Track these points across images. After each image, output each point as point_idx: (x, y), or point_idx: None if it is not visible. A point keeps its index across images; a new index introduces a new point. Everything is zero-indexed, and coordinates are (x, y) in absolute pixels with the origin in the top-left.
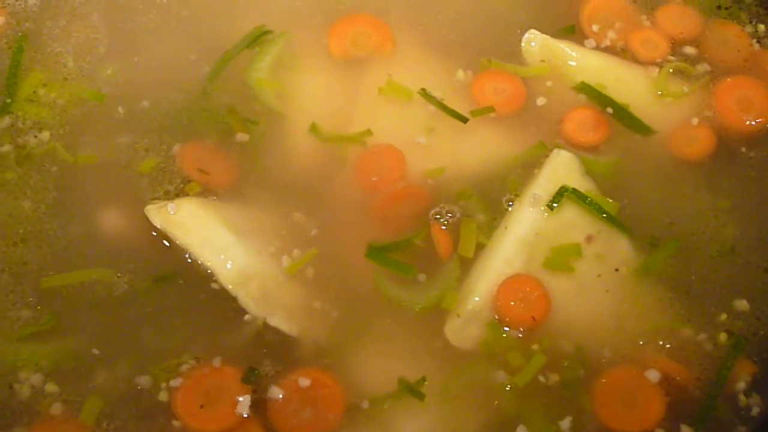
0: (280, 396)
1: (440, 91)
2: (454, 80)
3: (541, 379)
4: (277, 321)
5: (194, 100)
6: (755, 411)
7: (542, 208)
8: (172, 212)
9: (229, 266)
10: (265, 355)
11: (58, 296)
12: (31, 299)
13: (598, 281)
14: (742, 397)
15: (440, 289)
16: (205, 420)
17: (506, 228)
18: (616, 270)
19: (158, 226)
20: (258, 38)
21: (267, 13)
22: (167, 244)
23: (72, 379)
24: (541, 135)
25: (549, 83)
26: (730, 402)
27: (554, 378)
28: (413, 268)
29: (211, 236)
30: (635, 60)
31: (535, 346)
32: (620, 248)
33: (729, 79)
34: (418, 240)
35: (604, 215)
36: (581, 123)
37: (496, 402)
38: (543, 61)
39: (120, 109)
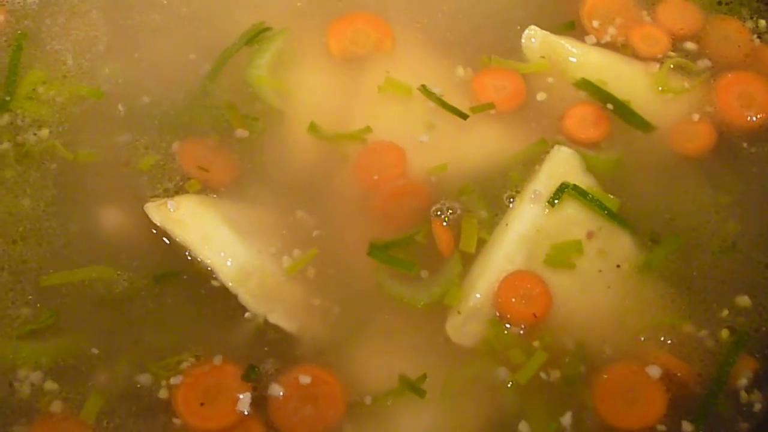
0: (281, 393)
1: (440, 88)
2: (454, 77)
3: (543, 375)
4: (278, 318)
5: (194, 98)
6: (757, 407)
7: (543, 204)
8: (171, 210)
9: (229, 264)
10: (265, 352)
11: (57, 294)
12: (30, 297)
13: (599, 277)
14: (743, 394)
15: (442, 286)
16: (205, 418)
17: (507, 225)
18: (618, 266)
19: (158, 224)
20: (257, 35)
21: (266, 11)
22: (167, 241)
23: (72, 377)
24: (542, 131)
25: (550, 79)
26: (732, 398)
27: (555, 374)
28: (415, 265)
29: (211, 234)
30: (636, 56)
31: (536, 343)
32: (621, 244)
33: (730, 75)
34: (419, 237)
35: (605, 211)
36: (582, 119)
37: (497, 399)
38: (543, 57)
39: (120, 107)
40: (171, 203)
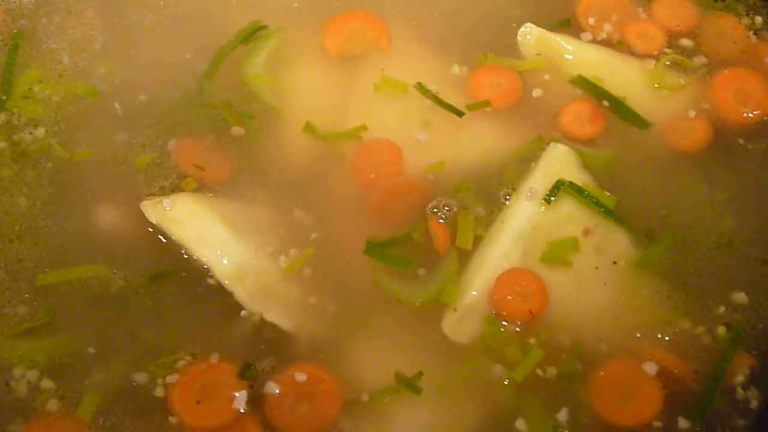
0: (277, 391)
1: (436, 85)
2: (449, 75)
3: (539, 372)
4: (274, 316)
5: (190, 96)
6: (754, 404)
7: (539, 201)
8: (167, 208)
9: (225, 262)
10: (261, 350)
11: (54, 293)
12: (26, 296)
13: (595, 274)
14: (740, 391)
15: (439, 283)
16: (201, 416)
17: (503, 222)
18: (614, 263)
19: (154, 222)
20: (253, 33)
21: (262, 10)
22: (163, 240)
23: (68, 375)
24: (538, 128)
25: (546, 77)
26: (728, 395)
27: (552, 371)
28: (412, 262)
29: (207, 232)
30: (631, 53)
31: (532, 340)
32: (618, 241)
33: (726, 72)
34: (416, 235)
35: (602, 208)
36: (578, 116)
37: (494, 396)
38: (539, 54)
39: (116, 106)
40: (167, 201)
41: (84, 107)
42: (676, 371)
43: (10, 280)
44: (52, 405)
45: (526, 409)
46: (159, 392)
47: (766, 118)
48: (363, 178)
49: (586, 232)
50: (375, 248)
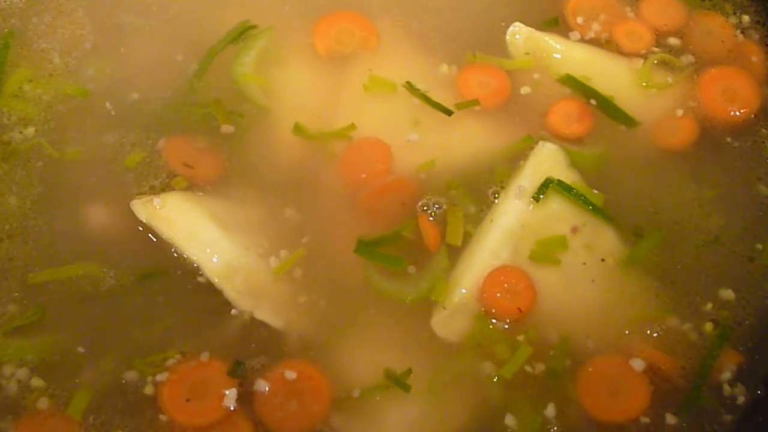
0: (267, 389)
1: (425, 84)
2: (438, 74)
3: (528, 369)
4: (264, 314)
5: (180, 95)
6: (741, 400)
7: (528, 200)
8: (157, 207)
9: (215, 260)
10: (251, 348)
11: (44, 291)
12: (16, 294)
13: (583, 271)
14: (727, 387)
15: (429, 281)
16: (191, 414)
17: (492, 220)
18: (602, 260)
19: (144, 221)
20: (242, 33)
21: (252, 10)
22: (153, 238)
23: (58, 373)
24: (527, 127)
25: (536, 76)
26: (716, 391)
27: (540, 368)
28: (403, 260)
29: (197, 230)
30: (619, 52)
31: (521, 337)
32: (606, 239)
33: (713, 70)
34: (406, 232)
35: (590, 206)
36: (566, 115)
37: (483, 393)
38: (528, 53)
39: (106, 105)
40: (157, 200)
41: (74, 106)
42: (663, 368)
43: (0, 278)
44: (43, 403)
45: (515, 405)
46: (149, 390)
47: (753, 116)
48: (353, 177)
49: (575, 230)
50: (365, 247)
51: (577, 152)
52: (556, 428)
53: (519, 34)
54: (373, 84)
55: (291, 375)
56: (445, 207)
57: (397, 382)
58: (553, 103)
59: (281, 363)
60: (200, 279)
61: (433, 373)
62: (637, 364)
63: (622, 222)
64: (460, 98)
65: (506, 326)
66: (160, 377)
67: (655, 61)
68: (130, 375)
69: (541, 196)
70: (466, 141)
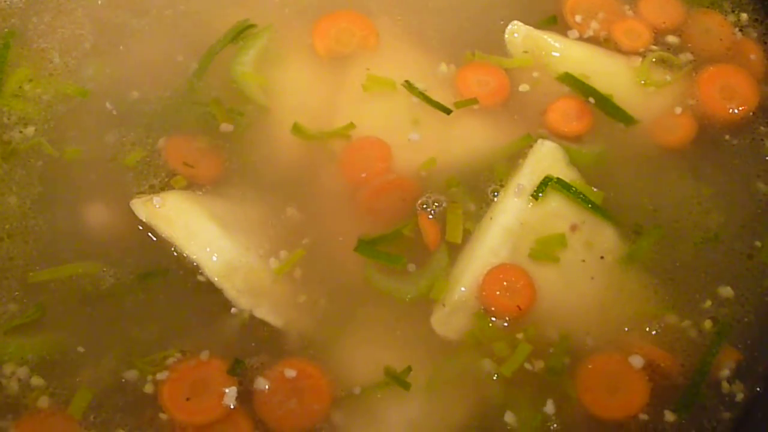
0: (267, 387)
1: (424, 83)
2: (437, 73)
3: (528, 366)
4: (264, 313)
5: (180, 95)
6: (739, 397)
7: (527, 198)
8: (157, 206)
9: (214, 259)
10: (251, 347)
11: (44, 290)
12: (17, 293)
13: (583, 269)
14: (725, 384)
15: (429, 279)
16: (191, 412)
17: (491, 218)
18: (601, 258)
19: (144, 220)
20: (241, 32)
21: (251, 11)
22: (153, 237)
23: (58, 372)
24: (526, 125)
25: (535, 74)
26: (714, 388)
27: (540, 365)
28: (403, 258)
29: (197, 229)
30: (618, 50)
31: (520, 335)
32: (605, 236)
33: (711, 68)
34: (406, 231)
35: (589, 204)
36: (565, 113)
37: (483, 390)
38: (526, 52)
39: (106, 104)
40: (157, 199)
41: (74, 106)
42: (662, 365)
43: (0, 278)
44: (43, 402)
45: (515, 402)
46: (149, 389)
47: (751, 113)
48: (353, 176)
49: (574, 228)
50: (365, 245)
51: (576, 150)
52: (555, 425)
53: (518, 32)
54: (371, 83)
55: (291, 373)
56: (444, 205)
57: (397, 380)
58: (551, 101)
59: (281, 361)
60: (200, 278)
61: (433, 370)
62: (636, 361)
63: (621, 220)
64: (459, 97)
65: (506, 324)
66: (160, 376)
67: (654, 59)
68: (131, 374)
69: (541, 194)
70: (466, 140)
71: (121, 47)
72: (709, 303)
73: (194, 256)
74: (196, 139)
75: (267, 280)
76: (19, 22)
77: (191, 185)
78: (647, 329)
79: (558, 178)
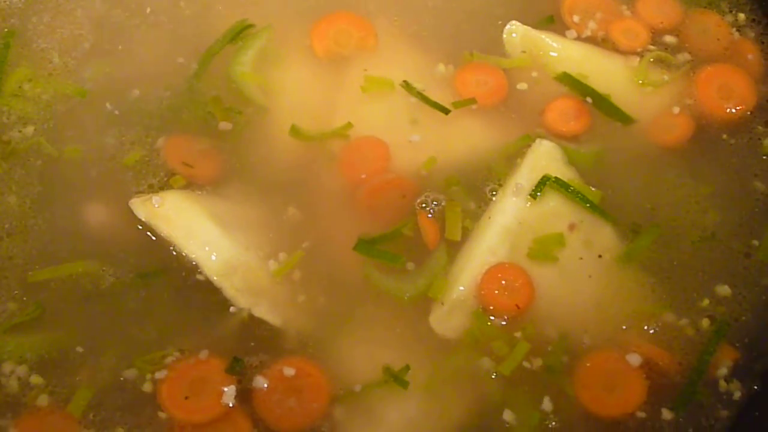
0: (265, 386)
1: (423, 84)
2: (436, 73)
3: (526, 364)
4: (262, 312)
5: (179, 94)
6: (737, 395)
7: (525, 197)
8: (156, 205)
9: (213, 258)
10: (250, 345)
11: (43, 289)
12: (16, 292)
13: (580, 267)
14: (723, 383)
15: (428, 278)
16: (190, 411)
17: (490, 218)
18: (599, 257)
19: (143, 219)
20: (240, 32)
21: (250, 12)
22: (152, 237)
23: (58, 371)
24: (524, 125)
25: (534, 74)
26: (712, 387)
27: (538, 363)
28: (402, 257)
29: (196, 228)
30: (616, 50)
31: (518, 334)
32: (603, 235)
33: (709, 68)
34: (406, 230)
35: (587, 203)
36: (563, 113)
37: (481, 388)
38: (524, 52)
39: (105, 104)
40: (156, 199)
41: (73, 105)
42: (660, 363)
43: (0, 277)
44: (42, 400)
45: (513, 400)
46: (148, 388)
47: (749, 113)
48: (352, 176)
49: (572, 227)
50: (365, 245)
51: (574, 150)
52: (553, 423)
53: (516, 32)
54: (369, 84)
55: (290, 372)
56: (443, 204)
57: (396, 378)
58: (550, 101)
59: (280, 360)
60: (199, 277)
61: (432, 369)
62: (634, 360)
63: (619, 219)
64: (458, 97)
65: (504, 323)
66: (159, 375)
67: (652, 59)
68: (130, 372)
69: (539, 194)
70: (464, 139)
71: (120, 47)
72: (706, 301)
73: (193, 255)
74: (195, 139)
75: (266, 279)
76: (19, 22)
77: (190, 185)
78: (645, 327)
79: (556, 178)
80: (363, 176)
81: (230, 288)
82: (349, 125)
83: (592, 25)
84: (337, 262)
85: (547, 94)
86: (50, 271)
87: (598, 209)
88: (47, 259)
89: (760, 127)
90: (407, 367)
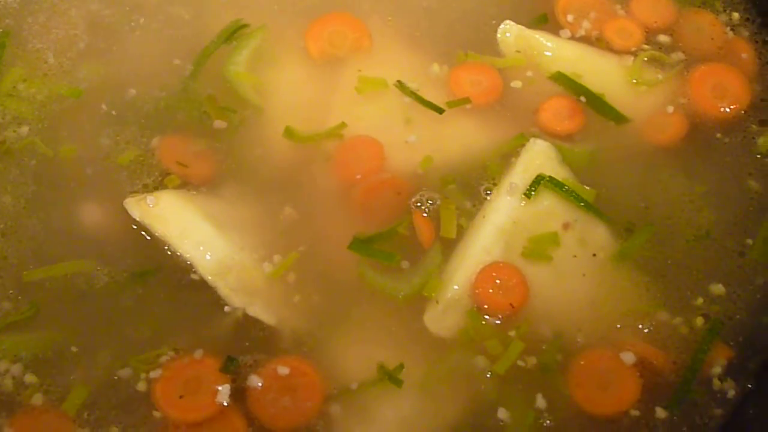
0: (260, 385)
1: (417, 83)
2: (430, 73)
3: (520, 363)
4: (257, 311)
5: (174, 94)
6: (731, 394)
7: (519, 196)
8: (150, 205)
9: (208, 257)
10: (244, 345)
11: (38, 288)
12: (11, 292)
13: (575, 266)
14: (716, 381)
15: (422, 276)
16: (185, 410)
17: (484, 217)
18: (594, 255)
19: (138, 219)
20: (235, 32)
21: (245, 12)
22: (147, 236)
23: (52, 370)
24: (518, 125)
25: (529, 73)
26: (706, 385)
27: (532, 362)
28: (397, 255)
29: (190, 228)
30: (610, 49)
31: (512, 333)
32: (597, 234)
33: (703, 67)
34: (401, 228)
35: (581, 202)
36: (557, 112)
37: (476, 387)
38: (518, 51)
39: (100, 104)
40: (150, 198)
41: (68, 105)
42: (654, 361)
43: None
44: (37, 399)
45: (508, 399)
46: (142, 387)
47: (742, 112)
48: (346, 175)
49: (566, 226)
50: (360, 244)
51: (568, 149)
52: (548, 421)
53: (510, 32)
54: (363, 84)
55: (284, 371)
56: (438, 202)
57: (390, 377)
58: (544, 100)
59: (274, 359)
60: (194, 276)
61: (426, 368)
62: (628, 358)
63: (614, 218)
64: (452, 97)
65: (498, 322)
66: (153, 374)
67: (646, 59)
68: (124, 372)
69: (533, 193)
70: (458, 139)
71: (115, 47)
72: (700, 300)
73: (188, 255)
74: (190, 139)
75: (260, 278)
76: (14, 22)
77: (185, 185)
78: (639, 326)
79: (550, 177)
80: (358, 176)
81: (225, 287)
82: (343, 125)
83: (586, 24)
84: (332, 261)
85: (541, 93)
86: (45, 271)
87: (592, 208)
88: (42, 259)
89: (754, 126)
90: (402, 366)
